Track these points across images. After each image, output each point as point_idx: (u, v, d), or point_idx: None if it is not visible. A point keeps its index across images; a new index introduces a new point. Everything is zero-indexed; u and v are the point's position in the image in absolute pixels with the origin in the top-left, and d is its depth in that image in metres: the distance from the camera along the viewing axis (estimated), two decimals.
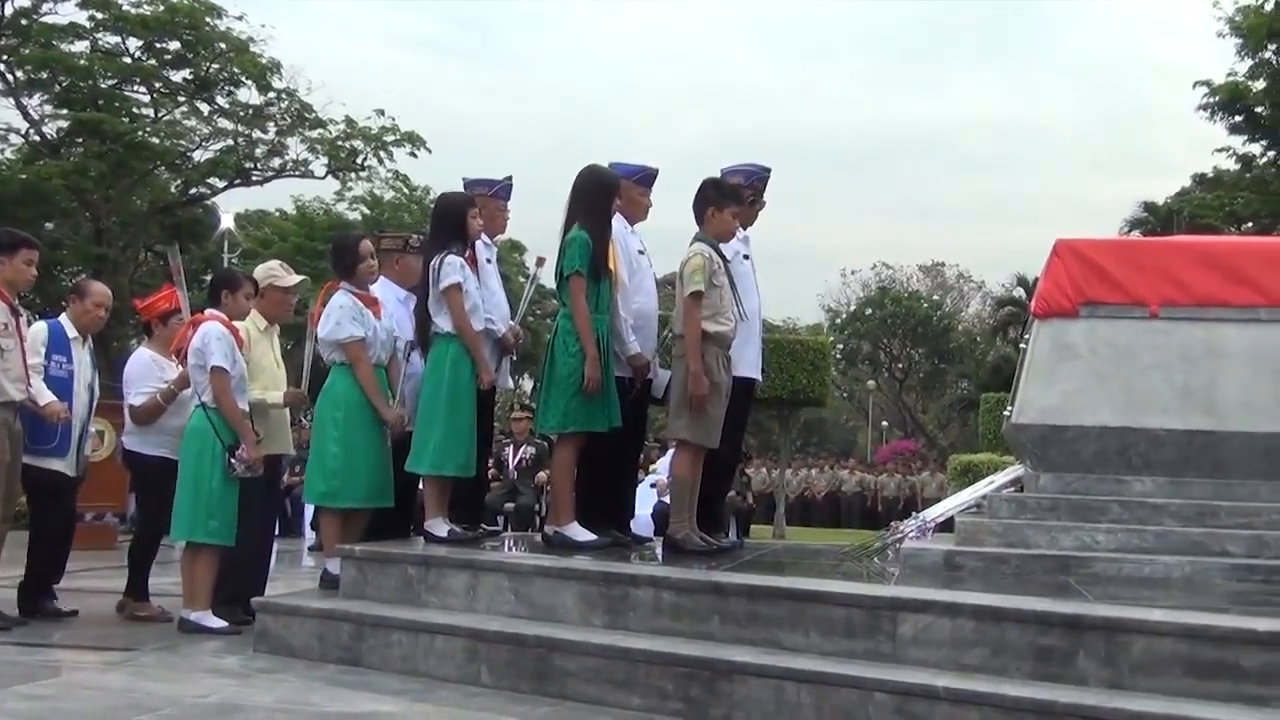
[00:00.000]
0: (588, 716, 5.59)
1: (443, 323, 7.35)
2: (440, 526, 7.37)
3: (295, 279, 8.35)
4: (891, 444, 52.14)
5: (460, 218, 7.58)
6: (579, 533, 7.27)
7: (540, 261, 8.83)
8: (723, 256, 7.15)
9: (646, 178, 7.83)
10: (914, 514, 8.80)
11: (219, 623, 7.54)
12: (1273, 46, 29.60)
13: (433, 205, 7.88)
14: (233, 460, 7.47)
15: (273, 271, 8.33)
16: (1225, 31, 31.00)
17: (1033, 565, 6.89)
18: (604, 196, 7.32)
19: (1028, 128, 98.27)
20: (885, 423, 62.32)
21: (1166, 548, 6.97)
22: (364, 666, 6.49)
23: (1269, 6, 28.15)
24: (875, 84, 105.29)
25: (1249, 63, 31.18)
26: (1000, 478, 8.81)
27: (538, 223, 12.22)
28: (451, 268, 7.33)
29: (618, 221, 7.53)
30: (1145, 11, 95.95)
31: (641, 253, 7.76)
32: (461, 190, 8.07)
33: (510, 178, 8.26)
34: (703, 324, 6.95)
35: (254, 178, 34.52)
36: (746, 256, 7.66)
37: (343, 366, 7.60)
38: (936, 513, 8.48)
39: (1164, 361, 7.56)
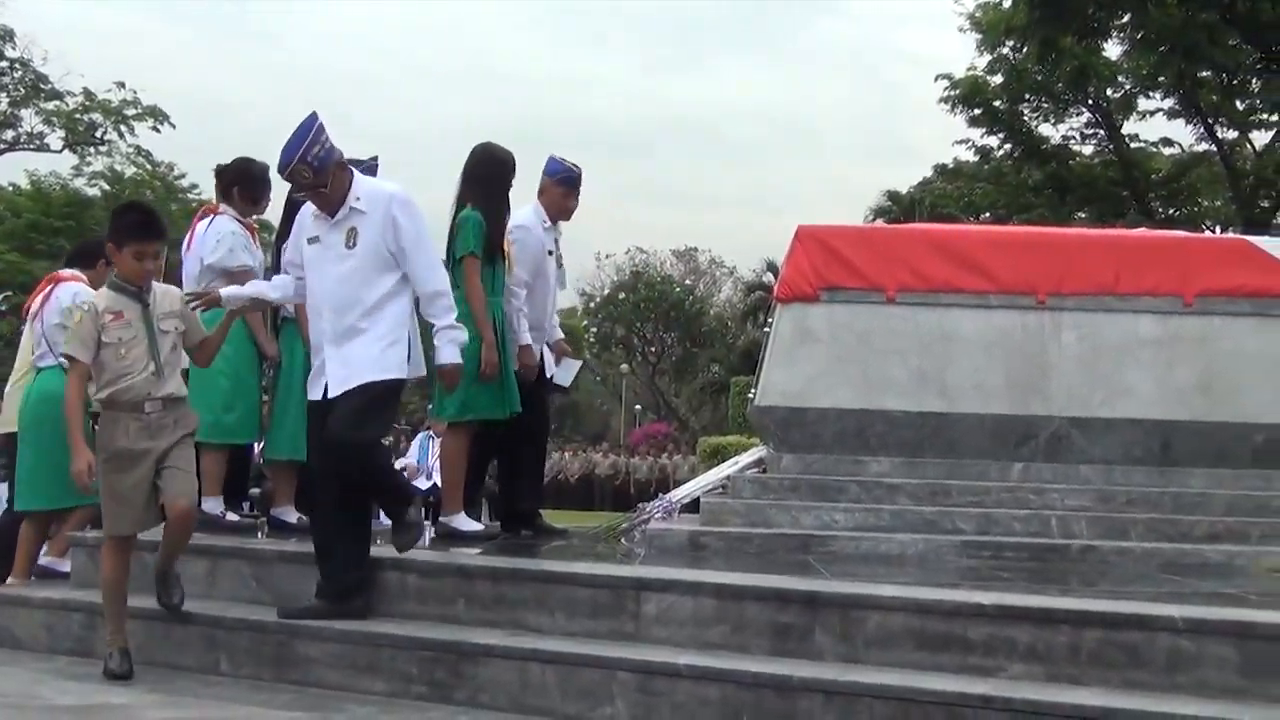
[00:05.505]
0: (330, 703, 5.49)
1: None
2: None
3: None
4: (644, 427, 52.69)
5: None
6: (465, 523, 7.18)
7: None
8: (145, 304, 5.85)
9: (568, 179, 7.57)
10: (662, 495, 8.90)
11: None
12: (1010, 43, 30.76)
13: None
14: None
15: None
16: (966, 26, 32.15)
17: (774, 544, 7.04)
18: (498, 175, 7.17)
19: (792, 115, 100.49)
20: (639, 406, 62.89)
21: (902, 526, 7.21)
22: (97, 657, 6.23)
23: (1006, 3, 29.23)
24: (643, 69, 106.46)
25: (988, 57, 32.39)
26: (745, 459, 8.97)
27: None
28: None
29: (534, 215, 7.45)
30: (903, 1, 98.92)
31: (550, 253, 7.54)
32: None
33: (376, 158, 7.46)
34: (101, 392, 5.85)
35: None
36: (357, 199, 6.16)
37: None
38: (682, 494, 8.59)
39: (900, 346, 7.81)
